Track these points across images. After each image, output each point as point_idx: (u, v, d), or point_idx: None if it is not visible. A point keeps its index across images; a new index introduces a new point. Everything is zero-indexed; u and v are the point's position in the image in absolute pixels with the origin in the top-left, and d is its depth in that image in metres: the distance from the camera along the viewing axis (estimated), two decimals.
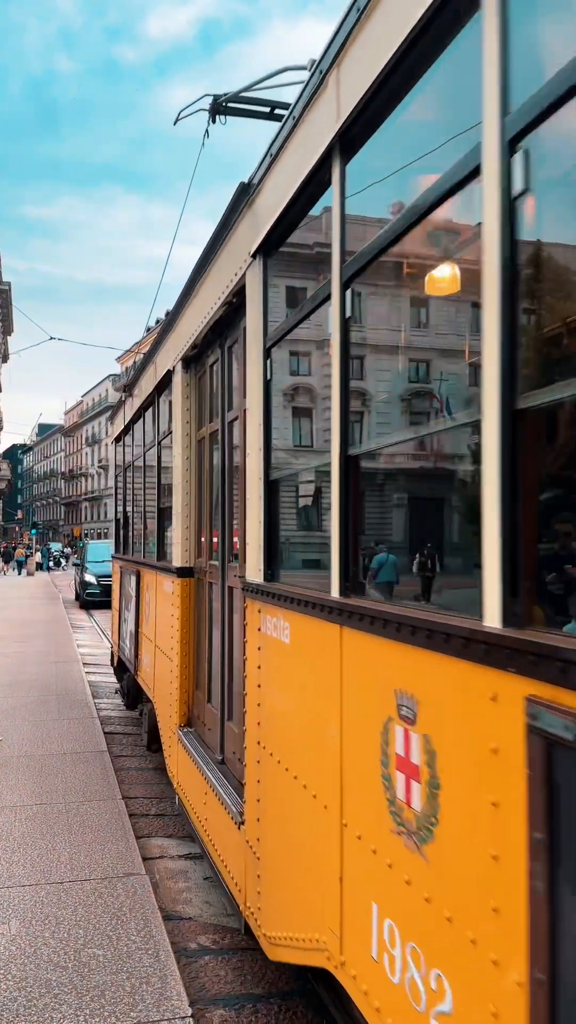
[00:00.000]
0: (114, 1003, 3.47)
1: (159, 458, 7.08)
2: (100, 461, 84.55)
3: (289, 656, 3.14)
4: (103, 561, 23.25)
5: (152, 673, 6.97)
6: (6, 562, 49.32)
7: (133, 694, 9.24)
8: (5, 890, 4.55)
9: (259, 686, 3.53)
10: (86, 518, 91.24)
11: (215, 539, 5.01)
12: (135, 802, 6.32)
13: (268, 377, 3.48)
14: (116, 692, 10.60)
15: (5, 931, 4.09)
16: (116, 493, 11.47)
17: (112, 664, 11.10)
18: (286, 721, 3.17)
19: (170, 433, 6.18)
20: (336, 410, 2.58)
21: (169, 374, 6.07)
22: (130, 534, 9.79)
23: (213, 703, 4.98)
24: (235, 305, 4.28)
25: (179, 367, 5.67)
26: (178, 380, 5.72)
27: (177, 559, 5.68)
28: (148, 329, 59.92)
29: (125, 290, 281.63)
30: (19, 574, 45.02)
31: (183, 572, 5.58)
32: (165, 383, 6.42)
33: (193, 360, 5.53)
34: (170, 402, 6.21)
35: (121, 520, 10.70)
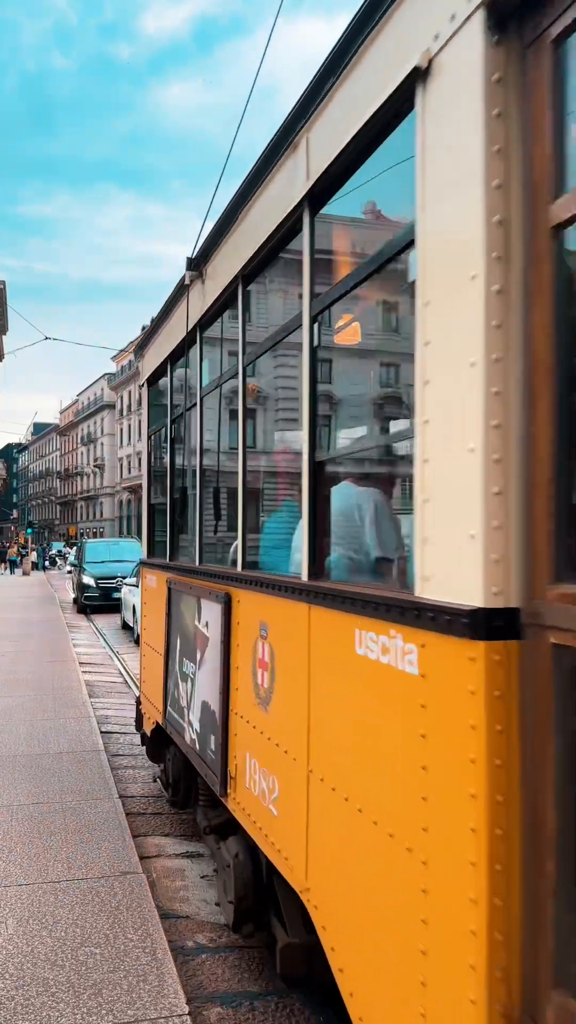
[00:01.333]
0: (111, 1001, 3.47)
1: (312, 353, 3.01)
2: (96, 460, 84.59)
3: None
4: (102, 562, 23.09)
5: (299, 831, 2.97)
6: (2, 561, 49.41)
7: (187, 785, 5.58)
8: (1, 889, 4.55)
9: None
10: (82, 517, 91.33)
11: None
12: (132, 801, 6.32)
13: None
14: (155, 780, 6.82)
15: (2, 930, 4.09)
16: (151, 465, 7.44)
17: (138, 728, 7.07)
18: None
19: (395, 256, 2.39)
20: None
21: (411, 81, 2.10)
22: (192, 526, 5.30)
23: None
24: None
25: (476, 30, 1.82)
26: (474, 71, 1.84)
27: (472, 590, 1.83)
28: (144, 328, 59.93)
29: (120, 288, 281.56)
30: (11, 573, 45.03)
31: (488, 625, 1.79)
32: (379, 128, 2.41)
33: None
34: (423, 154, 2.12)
35: (169, 504, 6.27)
